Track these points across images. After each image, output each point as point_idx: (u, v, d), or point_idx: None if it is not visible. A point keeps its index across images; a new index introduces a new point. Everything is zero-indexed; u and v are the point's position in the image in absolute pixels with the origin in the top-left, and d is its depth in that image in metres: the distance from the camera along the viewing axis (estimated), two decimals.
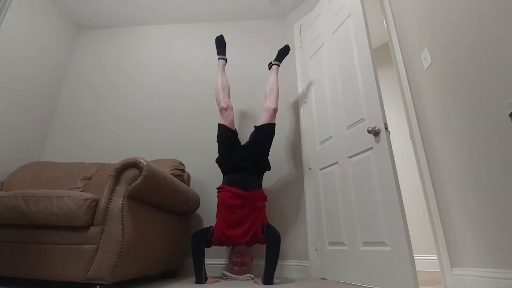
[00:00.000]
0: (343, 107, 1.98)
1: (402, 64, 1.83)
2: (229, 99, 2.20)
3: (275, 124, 2.13)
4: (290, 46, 2.83)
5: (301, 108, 2.50)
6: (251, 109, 2.67)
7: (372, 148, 1.67)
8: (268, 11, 2.99)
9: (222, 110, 2.10)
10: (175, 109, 2.76)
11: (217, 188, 1.97)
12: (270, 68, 2.46)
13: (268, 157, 2.31)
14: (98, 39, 3.16)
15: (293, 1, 2.87)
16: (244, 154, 1.98)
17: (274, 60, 2.46)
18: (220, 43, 2.45)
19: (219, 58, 2.40)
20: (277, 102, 2.16)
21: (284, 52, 2.49)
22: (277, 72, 2.36)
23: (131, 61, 3.02)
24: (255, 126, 2.13)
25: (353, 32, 1.95)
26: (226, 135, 2.06)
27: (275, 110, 2.12)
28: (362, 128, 1.76)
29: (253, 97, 2.71)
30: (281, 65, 2.79)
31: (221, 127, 2.08)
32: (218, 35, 2.46)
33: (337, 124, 2.02)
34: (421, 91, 1.68)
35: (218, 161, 2.07)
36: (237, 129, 2.56)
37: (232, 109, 2.13)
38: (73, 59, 3.07)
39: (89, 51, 3.10)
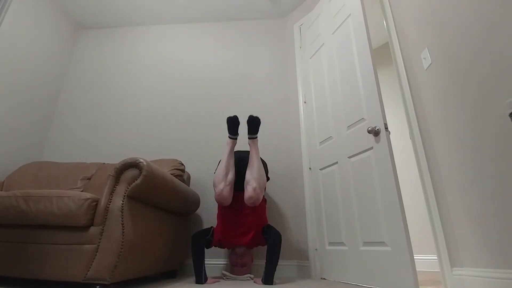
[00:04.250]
0: (343, 107, 1.97)
1: (402, 64, 1.83)
2: (231, 188, 1.82)
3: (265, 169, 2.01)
4: (290, 46, 2.84)
5: (301, 108, 2.50)
6: (251, 108, 2.67)
7: (372, 148, 1.67)
8: (268, 11, 2.99)
9: (217, 201, 1.80)
10: (175, 109, 2.76)
11: None
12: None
13: (268, 158, 2.31)
14: (98, 39, 3.16)
15: (293, 1, 2.87)
16: (242, 167, 1.94)
17: (248, 134, 1.95)
18: (233, 124, 1.95)
19: (230, 138, 1.94)
20: (252, 196, 1.74)
21: (252, 123, 1.94)
22: (256, 147, 1.92)
23: (131, 61, 3.02)
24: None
25: (353, 32, 1.95)
26: None
27: (253, 202, 1.75)
28: (362, 128, 1.76)
29: (253, 97, 2.71)
30: (279, 69, 2.79)
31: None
32: (232, 116, 1.95)
33: (337, 124, 2.02)
34: (421, 91, 1.68)
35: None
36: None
37: (230, 199, 1.81)
38: (73, 59, 3.07)
39: (89, 51, 3.10)
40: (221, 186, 1.80)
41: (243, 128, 2.58)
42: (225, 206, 1.86)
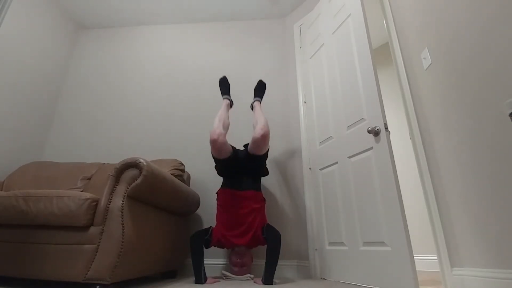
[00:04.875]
0: (343, 107, 1.97)
1: (402, 64, 1.83)
2: (225, 133, 1.89)
3: (266, 152, 1.97)
4: (290, 46, 2.84)
5: (301, 108, 2.50)
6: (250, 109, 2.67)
7: (372, 148, 1.67)
8: (268, 11, 2.99)
9: (211, 141, 1.80)
10: (175, 109, 2.76)
11: (216, 193, 1.98)
12: (252, 108, 2.24)
13: (268, 158, 2.31)
14: (98, 39, 3.16)
15: (293, 1, 2.87)
16: (241, 165, 1.94)
17: (254, 97, 2.26)
18: (224, 84, 2.28)
19: (223, 98, 2.22)
20: (263, 128, 1.84)
21: (260, 88, 2.30)
22: (260, 107, 2.17)
23: (131, 61, 3.02)
24: (248, 150, 1.94)
25: (353, 32, 1.95)
26: (220, 165, 1.96)
27: (263, 138, 1.83)
28: (362, 128, 1.76)
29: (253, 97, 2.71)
30: (279, 69, 2.79)
31: (215, 159, 1.94)
32: (221, 77, 2.28)
33: (337, 124, 2.02)
34: (421, 91, 1.68)
35: (216, 168, 2.03)
36: (236, 128, 2.57)
37: (223, 141, 1.82)
38: (73, 59, 3.07)
39: (89, 51, 3.10)
40: (214, 126, 1.86)
41: (239, 123, 2.58)
42: (224, 206, 1.85)
